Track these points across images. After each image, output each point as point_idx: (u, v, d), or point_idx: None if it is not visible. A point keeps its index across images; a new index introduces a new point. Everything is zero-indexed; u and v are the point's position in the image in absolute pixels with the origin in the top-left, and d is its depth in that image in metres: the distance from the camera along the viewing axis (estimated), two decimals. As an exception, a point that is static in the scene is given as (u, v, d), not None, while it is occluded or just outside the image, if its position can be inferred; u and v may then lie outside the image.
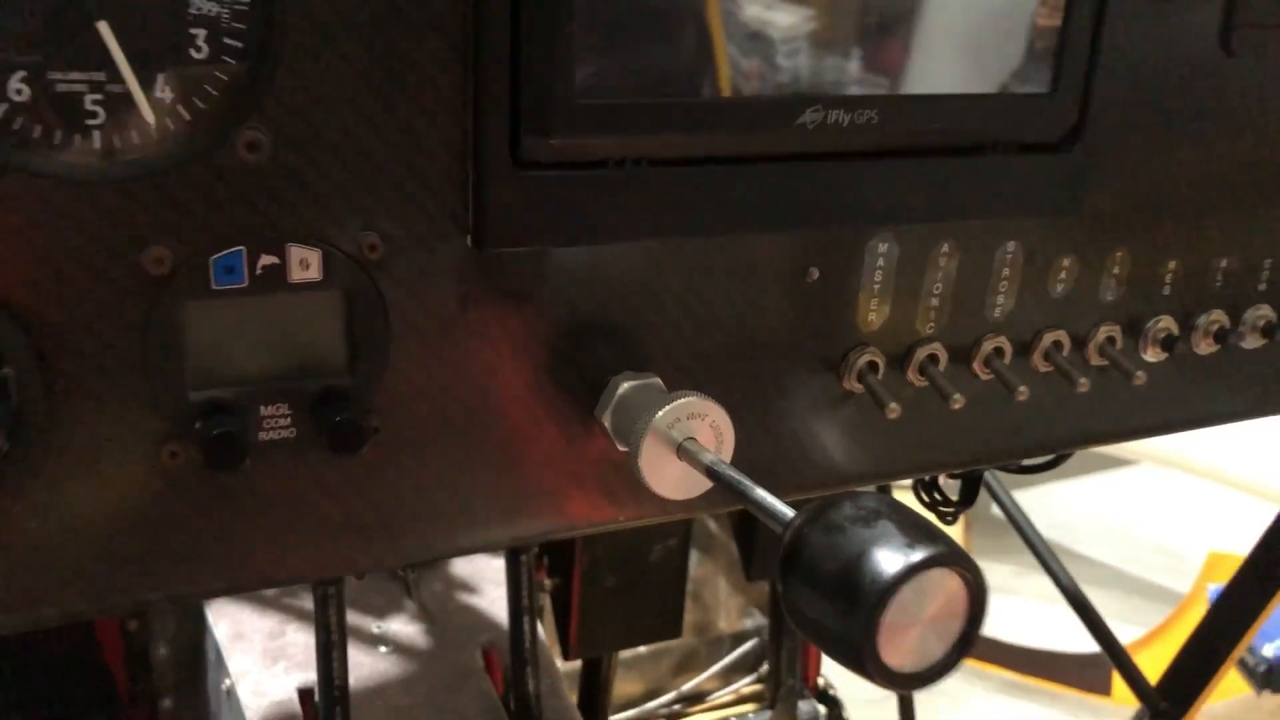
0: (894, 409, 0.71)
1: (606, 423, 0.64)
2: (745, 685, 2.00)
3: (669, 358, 0.67)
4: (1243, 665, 3.22)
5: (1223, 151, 0.80)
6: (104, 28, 0.51)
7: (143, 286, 0.54)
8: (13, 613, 0.56)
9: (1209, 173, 0.80)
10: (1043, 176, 0.72)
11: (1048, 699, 3.53)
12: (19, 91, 0.50)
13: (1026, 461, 0.91)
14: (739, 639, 2.02)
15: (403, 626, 1.30)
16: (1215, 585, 3.46)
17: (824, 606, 0.45)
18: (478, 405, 0.63)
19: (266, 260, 0.56)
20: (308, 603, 1.30)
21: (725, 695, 2.00)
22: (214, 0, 0.52)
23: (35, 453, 0.53)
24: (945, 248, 0.73)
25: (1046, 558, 1.56)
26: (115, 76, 0.52)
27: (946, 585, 0.44)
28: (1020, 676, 3.56)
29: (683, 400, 0.60)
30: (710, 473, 0.58)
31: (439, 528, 0.64)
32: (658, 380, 0.65)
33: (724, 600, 2.01)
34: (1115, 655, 1.47)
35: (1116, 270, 0.79)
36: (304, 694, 1.18)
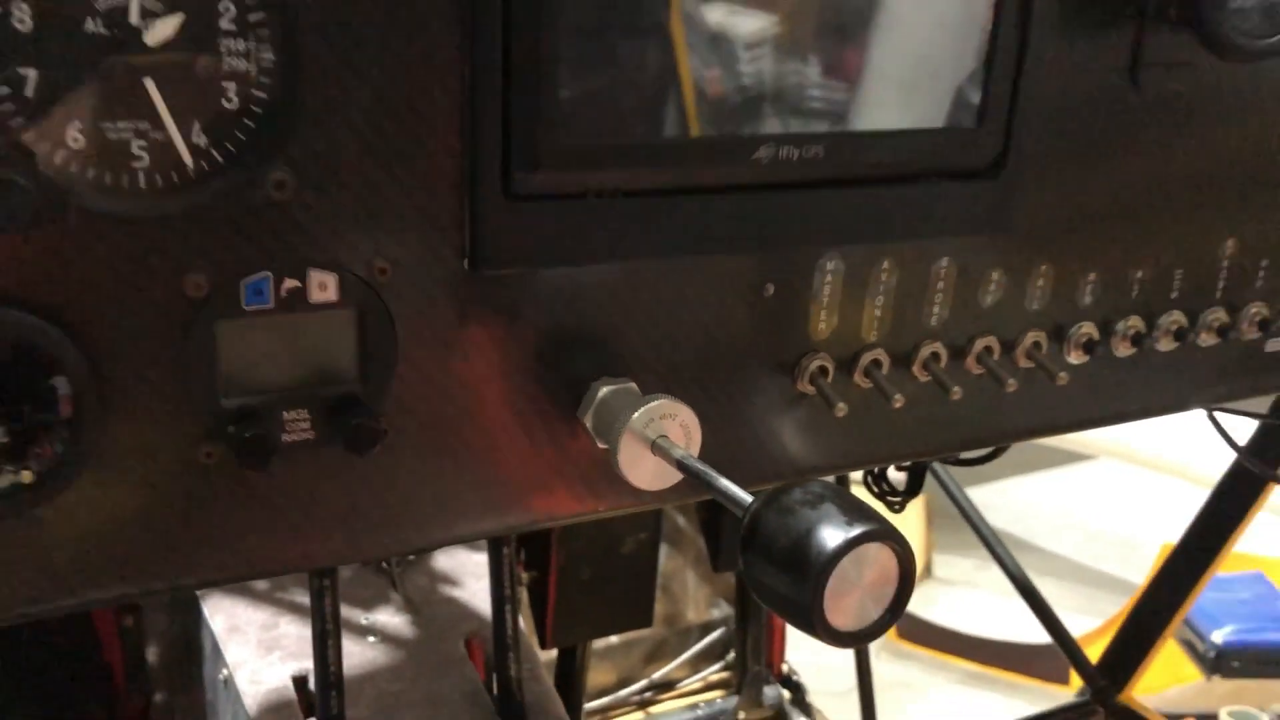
0: (841, 408, 0.79)
1: (588, 423, 0.73)
2: (713, 673, 2.09)
3: (643, 364, 0.75)
4: (1193, 652, 3.34)
5: (1134, 174, 0.89)
6: (149, 83, 0.58)
7: (182, 308, 0.61)
8: (63, 596, 0.63)
9: (1123, 193, 0.89)
10: (972, 201, 0.80)
11: (1008, 689, 3.62)
12: (75, 139, 0.58)
13: (965, 455, 1.00)
14: (706, 629, 2.10)
15: (389, 618, 1.37)
16: None
17: (779, 577, 0.53)
18: (474, 408, 0.71)
19: (290, 284, 0.63)
20: (299, 596, 1.37)
21: (694, 683, 2.09)
22: (243, 58, 0.60)
23: (88, 454, 0.61)
24: (886, 264, 0.81)
25: (996, 547, 1.66)
26: (158, 125, 0.59)
27: (880, 557, 0.53)
28: (981, 667, 3.65)
29: (656, 402, 0.68)
30: (680, 466, 0.66)
31: (438, 518, 0.72)
32: (633, 385, 0.73)
33: (692, 592, 2.10)
34: (1059, 636, 1.57)
35: (1041, 282, 0.88)
36: (298, 681, 1.25)
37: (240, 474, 0.65)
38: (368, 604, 1.38)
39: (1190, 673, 3.33)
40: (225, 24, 0.59)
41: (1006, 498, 4.35)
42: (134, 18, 0.57)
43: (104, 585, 0.64)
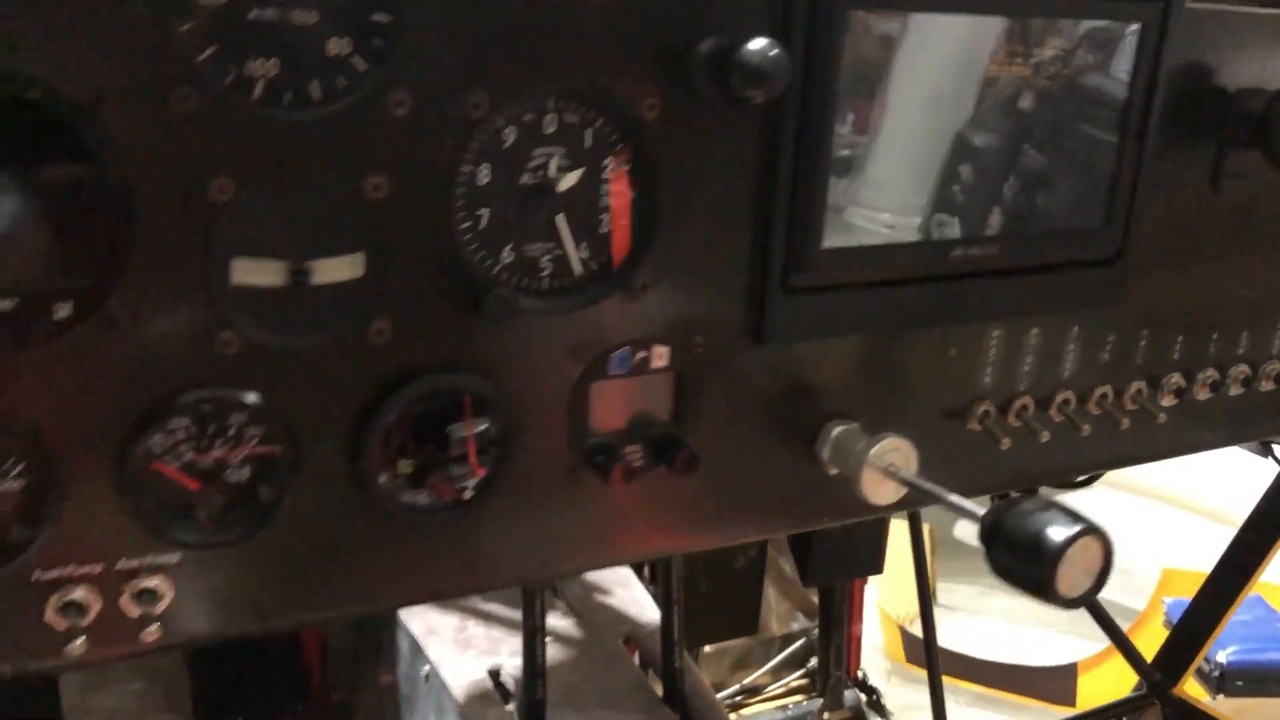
0: (1006, 443, 1.04)
1: (824, 454, 0.97)
2: (794, 680, 2.32)
3: (861, 408, 0.99)
4: (1199, 672, 3.54)
5: (1215, 257, 1.14)
6: (560, 219, 0.83)
7: (571, 375, 0.86)
8: (475, 584, 0.87)
9: (1206, 273, 1.14)
10: (1098, 282, 1.05)
11: (1014, 710, 3.81)
12: (507, 256, 0.82)
13: (1078, 479, 1.25)
14: (787, 640, 2.34)
15: (557, 621, 1.60)
16: (1171, 599, 3.75)
17: (1021, 562, 0.77)
18: (745, 441, 0.95)
19: (640, 354, 0.88)
20: (479, 603, 1.60)
21: (777, 689, 2.32)
22: (616, 197, 0.84)
23: (506, 477, 0.85)
24: (1035, 331, 1.06)
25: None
26: (560, 245, 0.83)
27: (1092, 545, 0.76)
28: (990, 690, 3.83)
29: (888, 438, 0.92)
30: (912, 486, 0.90)
31: (719, 524, 0.96)
32: (858, 425, 0.97)
33: (774, 607, 2.33)
34: (1112, 633, 1.80)
35: (1143, 343, 1.13)
36: (493, 673, 1.48)
37: (598, 489, 0.89)
38: (537, 610, 1.61)
39: (1197, 692, 3.52)
40: (605, 175, 0.84)
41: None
42: (552, 172, 0.82)
43: (503, 574, 0.88)
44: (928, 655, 1.98)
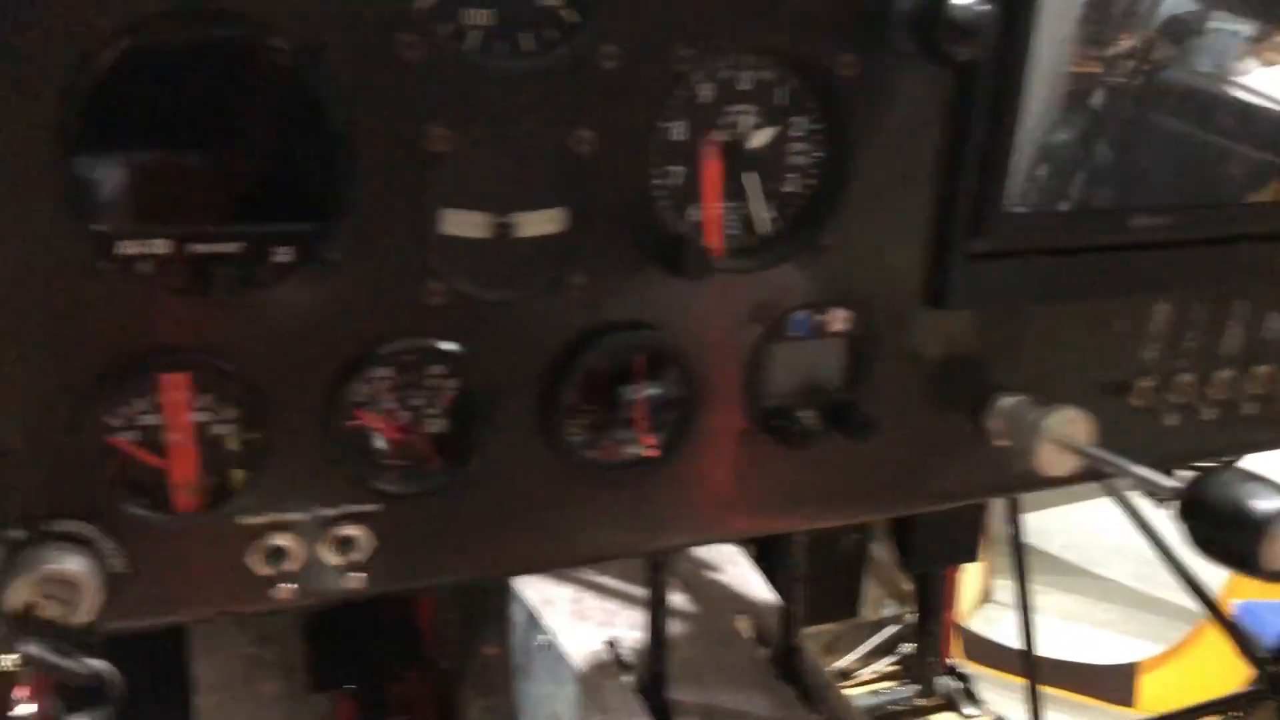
0: (1169, 420, 1.02)
1: (994, 426, 0.95)
2: (885, 665, 2.30)
3: (1028, 381, 0.97)
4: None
5: None
6: (749, 177, 0.82)
7: (751, 336, 0.85)
8: (654, 540, 0.87)
9: None
10: (1272, 256, 1.03)
11: (1073, 709, 3.74)
12: (694, 215, 0.82)
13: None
14: (878, 626, 2.32)
15: (671, 596, 1.59)
16: (1240, 601, 3.66)
17: (1225, 533, 0.75)
18: (915, 411, 0.94)
19: (818, 317, 0.87)
20: (593, 575, 1.60)
21: (867, 674, 2.30)
22: (801, 155, 0.84)
23: (689, 435, 0.84)
24: (1199, 306, 1.04)
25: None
26: (744, 204, 0.83)
27: (1300, 517, 0.75)
28: (1046, 688, 3.77)
29: (1064, 410, 0.91)
30: (1092, 457, 0.89)
31: (891, 494, 0.95)
32: (1026, 396, 0.96)
33: (866, 593, 2.31)
34: (1224, 622, 1.76)
35: None
36: (610, 645, 1.48)
37: (771, 454, 0.88)
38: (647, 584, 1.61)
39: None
40: (795, 133, 0.83)
41: (1061, 524, 4.42)
42: (743, 129, 0.81)
43: (680, 534, 0.88)
44: (1025, 658, 1.95)
